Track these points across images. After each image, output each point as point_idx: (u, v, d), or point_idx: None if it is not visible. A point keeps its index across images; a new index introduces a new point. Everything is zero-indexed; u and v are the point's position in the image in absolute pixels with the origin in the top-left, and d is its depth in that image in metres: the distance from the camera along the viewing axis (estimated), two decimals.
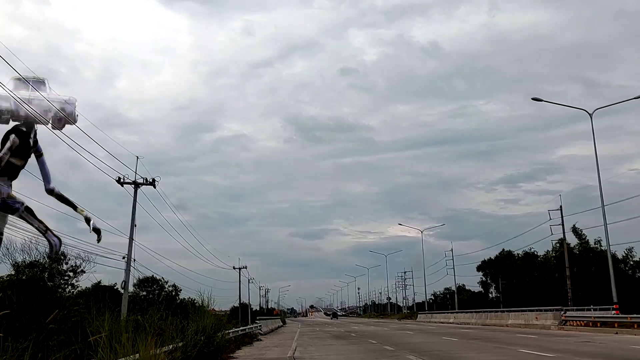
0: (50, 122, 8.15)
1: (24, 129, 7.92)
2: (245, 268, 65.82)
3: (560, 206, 41.96)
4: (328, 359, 15.87)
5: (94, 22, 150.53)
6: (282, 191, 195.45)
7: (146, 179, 26.50)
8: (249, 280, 73.04)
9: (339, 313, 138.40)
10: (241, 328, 26.69)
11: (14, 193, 7.78)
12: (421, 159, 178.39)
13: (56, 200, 8.33)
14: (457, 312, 51.91)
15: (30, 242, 21.10)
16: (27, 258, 20.87)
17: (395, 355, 15.25)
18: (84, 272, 24.81)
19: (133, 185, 26.13)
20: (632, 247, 43.02)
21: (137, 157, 26.50)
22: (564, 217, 41.63)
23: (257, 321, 38.97)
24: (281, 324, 57.41)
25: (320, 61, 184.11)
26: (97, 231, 8.27)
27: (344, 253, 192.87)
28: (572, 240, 45.94)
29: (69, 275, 24.46)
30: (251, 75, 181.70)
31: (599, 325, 26.51)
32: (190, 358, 11.80)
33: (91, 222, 8.21)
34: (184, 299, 37.33)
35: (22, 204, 7.88)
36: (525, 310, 36.18)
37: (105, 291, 22.28)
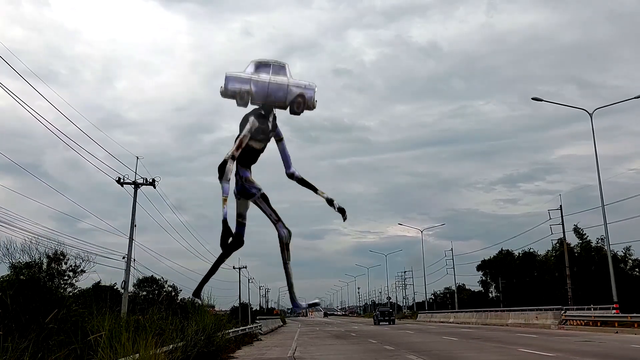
0: (289, 106, 7.98)
1: (263, 113, 7.81)
2: (245, 268, 65.87)
3: (560, 206, 41.97)
4: (328, 359, 15.87)
5: (93, 23, 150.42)
6: (282, 191, 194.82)
7: (146, 179, 26.52)
8: (249, 280, 73.19)
9: (328, 312, 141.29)
10: (241, 328, 26.66)
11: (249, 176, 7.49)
12: (420, 159, 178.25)
13: (296, 183, 8.09)
14: (457, 312, 51.91)
15: (31, 242, 21.12)
16: (26, 258, 20.89)
17: (395, 355, 15.25)
18: (84, 272, 24.83)
19: (133, 186, 26.14)
20: (630, 246, 43.01)
21: (137, 158, 26.55)
22: (563, 217, 41.64)
23: (257, 321, 38.95)
24: (281, 323, 57.39)
25: (319, 62, 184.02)
26: (341, 211, 8.07)
27: (344, 253, 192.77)
28: (572, 240, 45.96)
29: (68, 275, 24.47)
30: None
31: (599, 324, 26.50)
32: (191, 358, 11.79)
33: (334, 202, 8.05)
34: (184, 298, 37.34)
35: (259, 190, 7.76)
36: (525, 310, 36.16)
37: (105, 291, 22.30)
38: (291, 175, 8.03)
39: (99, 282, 28.31)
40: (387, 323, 46.88)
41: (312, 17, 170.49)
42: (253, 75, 7.93)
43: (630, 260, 43.43)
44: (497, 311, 42.29)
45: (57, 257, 23.47)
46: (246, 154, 7.63)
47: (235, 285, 66.15)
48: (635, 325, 23.53)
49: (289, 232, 7.86)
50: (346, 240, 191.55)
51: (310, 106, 8.06)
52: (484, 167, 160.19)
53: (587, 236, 45.08)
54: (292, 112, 8.03)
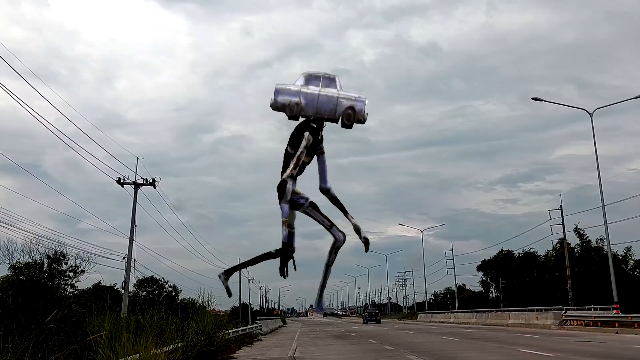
0: (340, 119, 7.92)
1: (315, 126, 7.77)
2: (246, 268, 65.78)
3: (561, 206, 41.94)
4: (328, 359, 15.86)
5: (93, 23, 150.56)
6: None
7: (146, 180, 26.53)
8: (249, 280, 73.14)
9: (327, 312, 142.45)
10: (241, 328, 26.67)
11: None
12: (420, 159, 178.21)
13: (329, 201, 7.96)
14: (457, 312, 51.89)
15: (31, 242, 21.12)
16: (26, 258, 20.87)
17: (395, 355, 15.24)
18: (84, 272, 24.80)
19: (133, 186, 26.15)
20: (631, 246, 42.97)
21: (137, 158, 26.55)
22: (564, 217, 41.61)
23: (258, 321, 38.95)
24: (281, 324, 57.39)
25: (319, 62, 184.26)
26: (366, 242, 7.94)
27: (344, 253, 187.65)
28: (572, 240, 45.91)
29: (69, 276, 24.43)
30: (250, 76, 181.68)
31: (599, 324, 26.49)
32: (191, 358, 11.79)
33: (361, 231, 7.91)
34: (184, 299, 37.32)
35: (307, 199, 7.70)
36: (525, 310, 36.15)
37: (105, 291, 22.30)
38: (326, 191, 7.97)
39: (99, 282, 28.33)
40: (374, 322, 57.02)
41: (311, 17, 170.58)
42: (302, 88, 7.90)
43: (631, 261, 43.38)
44: (497, 311, 42.28)
45: (57, 258, 23.45)
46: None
47: (235, 285, 66.20)
48: (636, 326, 23.52)
49: (344, 235, 7.83)
50: (346, 240, 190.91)
51: (361, 119, 7.96)
52: (484, 167, 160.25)
53: (588, 236, 45.06)
54: (343, 125, 7.97)
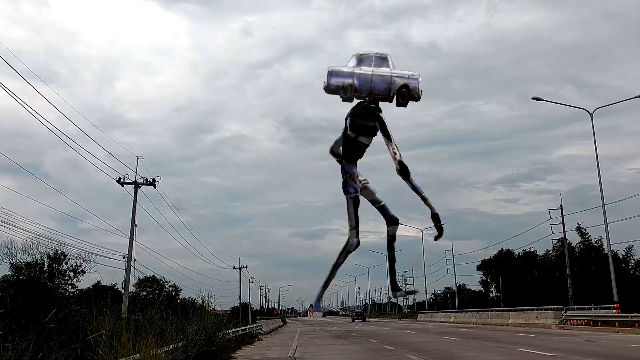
0: (394, 98, 7.90)
1: (372, 106, 7.78)
2: (246, 268, 65.88)
3: (561, 205, 41.90)
4: (329, 359, 15.86)
5: (93, 23, 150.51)
6: (282, 191, 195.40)
7: (146, 179, 26.52)
8: (249, 280, 73.15)
9: (327, 311, 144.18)
10: (242, 328, 26.67)
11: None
12: (420, 159, 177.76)
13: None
14: (457, 312, 51.87)
15: (31, 242, 21.12)
16: (27, 258, 20.89)
17: (395, 355, 15.24)
18: (85, 272, 24.83)
19: (133, 186, 26.14)
20: (632, 246, 42.95)
21: (137, 158, 26.54)
22: (564, 216, 41.60)
23: (258, 321, 38.94)
24: (281, 323, 57.37)
25: (319, 62, 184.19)
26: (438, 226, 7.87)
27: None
28: (573, 239, 45.89)
29: (69, 276, 24.46)
30: (250, 76, 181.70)
31: (599, 324, 26.47)
32: (191, 358, 11.79)
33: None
34: (184, 298, 37.33)
35: (357, 190, 7.69)
36: (525, 310, 36.14)
37: (105, 291, 22.30)
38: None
39: (99, 282, 28.34)
40: (360, 320, 67.46)
41: (311, 18, 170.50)
42: (355, 69, 7.90)
43: (632, 260, 43.37)
44: (497, 311, 42.26)
45: (57, 257, 23.47)
46: (354, 149, 7.61)
47: (235, 285, 66.25)
48: (636, 325, 23.50)
49: (358, 243, 7.83)
50: (346, 240, 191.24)
51: (415, 96, 7.94)
52: (484, 167, 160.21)
53: (590, 235, 45.03)
54: (398, 103, 7.96)
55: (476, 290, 70.43)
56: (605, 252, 35.91)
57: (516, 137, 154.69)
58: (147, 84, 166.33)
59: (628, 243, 43.88)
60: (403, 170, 7.38)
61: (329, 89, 7.97)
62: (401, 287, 10.32)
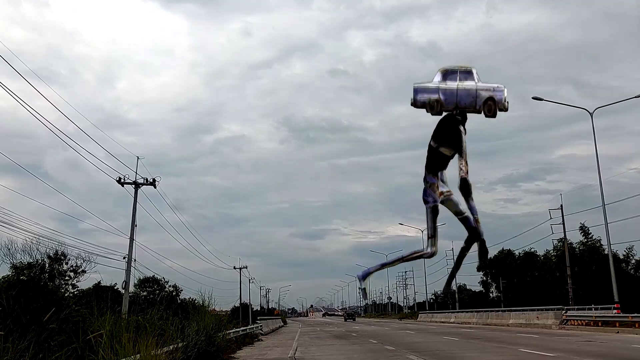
0: (481, 110, 7.96)
1: (459, 118, 7.84)
2: (246, 268, 65.86)
3: (561, 205, 41.84)
4: (329, 359, 15.85)
5: (93, 24, 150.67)
6: (282, 192, 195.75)
7: (146, 179, 26.50)
8: (249, 280, 73.11)
9: (329, 312, 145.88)
10: (242, 328, 26.66)
11: None
12: (421, 159, 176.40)
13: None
14: (458, 312, 51.85)
15: (31, 242, 21.11)
16: (27, 258, 20.87)
17: (396, 355, 15.23)
18: (85, 272, 24.80)
19: (133, 186, 26.12)
20: (633, 246, 42.88)
21: (138, 157, 26.52)
22: (564, 216, 41.55)
23: (258, 321, 38.94)
24: (282, 324, 57.37)
25: (319, 62, 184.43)
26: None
27: (345, 253, 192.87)
28: (574, 239, 45.81)
29: (69, 276, 24.44)
30: (250, 76, 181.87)
31: (600, 324, 26.46)
32: (191, 358, 11.79)
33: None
34: (185, 299, 37.32)
35: (435, 200, 7.74)
36: (526, 310, 36.11)
37: (105, 291, 22.29)
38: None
39: (99, 282, 28.32)
40: (352, 320, 74.61)
41: (311, 18, 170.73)
42: (440, 84, 7.99)
43: (633, 260, 43.32)
44: (498, 311, 42.24)
45: (58, 258, 23.45)
46: (437, 160, 7.67)
47: (235, 285, 66.26)
48: (637, 325, 23.48)
49: (434, 253, 7.88)
50: (346, 240, 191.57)
51: (502, 108, 8.00)
52: (484, 167, 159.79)
53: (592, 235, 44.95)
54: (486, 115, 8.01)
55: (476, 291, 70.39)
56: (606, 252, 35.88)
57: (516, 137, 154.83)
58: (148, 84, 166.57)
59: (628, 243, 43.82)
60: (464, 188, 7.45)
61: (416, 105, 8.12)
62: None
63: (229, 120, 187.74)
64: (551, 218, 41.77)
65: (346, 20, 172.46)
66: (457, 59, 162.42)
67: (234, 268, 63.55)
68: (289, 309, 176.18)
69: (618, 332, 23.25)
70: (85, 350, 8.46)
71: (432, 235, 7.80)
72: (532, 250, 54.45)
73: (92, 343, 8.38)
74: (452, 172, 7.95)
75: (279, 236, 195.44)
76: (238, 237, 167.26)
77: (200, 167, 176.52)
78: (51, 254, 22.82)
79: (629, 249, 43.15)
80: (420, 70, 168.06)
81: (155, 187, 26.81)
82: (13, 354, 6.95)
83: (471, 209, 7.59)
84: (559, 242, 44.44)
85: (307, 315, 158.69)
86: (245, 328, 27.87)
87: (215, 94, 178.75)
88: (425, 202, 7.69)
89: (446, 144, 7.69)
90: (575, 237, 46.03)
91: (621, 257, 42.64)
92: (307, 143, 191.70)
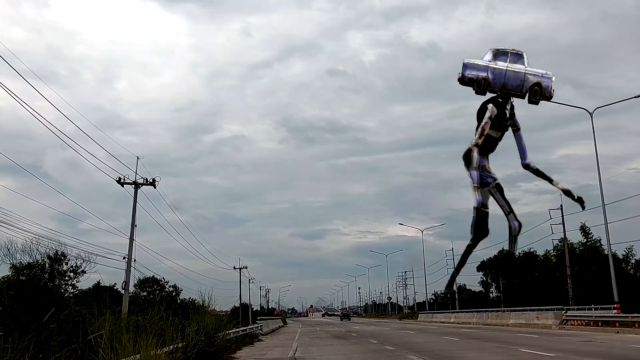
0: (526, 95, 7.94)
1: (500, 100, 7.83)
2: (246, 268, 65.84)
3: (561, 205, 41.82)
4: (329, 359, 15.85)
5: (93, 24, 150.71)
6: (282, 192, 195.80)
7: (146, 179, 26.48)
8: (249, 280, 73.09)
9: (329, 312, 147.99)
10: (242, 328, 26.66)
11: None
12: (420, 159, 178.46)
13: (534, 174, 8.03)
14: (458, 312, 51.84)
15: (31, 242, 21.09)
16: (27, 259, 20.85)
17: (396, 355, 15.23)
18: (85, 272, 24.79)
19: (133, 186, 26.11)
20: (632, 246, 42.88)
21: (138, 158, 26.50)
22: (564, 216, 41.54)
23: (258, 321, 38.93)
24: (282, 324, 57.37)
25: (319, 62, 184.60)
26: (580, 200, 7.94)
27: (344, 253, 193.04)
28: (574, 239, 45.80)
29: (69, 276, 24.43)
30: (250, 76, 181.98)
31: (600, 324, 26.46)
32: (191, 358, 11.78)
33: (572, 192, 7.95)
34: (185, 299, 37.33)
35: (495, 179, 7.75)
36: (526, 310, 36.11)
37: (105, 291, 22.28)
38: (526, 166, 8.08)
39: (99, 282, 28.31)
40: (347, 320, 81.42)
41: (311, 18, 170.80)
42: (490, 63, 8.00)
43: (633, 260, 43.32)
44: (497, 311, 42.25)
45: (58, 258, 23.44)
46: (484, 142, 7.68)
47: (235, 285, 66.19)
48: (637, 326, 23.48)
49: (520, 224, 7.86)
50: (346, 240, 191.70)
51: (547, 95, 7.98)
52: None
53: (593, 235, 44.95)
54: (530, 101, 8.01)
55: (476, 291, 70.41)
56: (605, 252, 35.87)
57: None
58: (147, 84, 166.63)
59: (628, 243, 43.83)
60: (465, 158, 7.56)
61: (463, 81, 8.10)
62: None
63: (228, 120, 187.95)
64: (551, 218, 41.80)
65: (346, 20, 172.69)
66: (457, 59, 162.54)
67: (234, 268, 63.57)
68: (289, 309, 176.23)
69: (618, 332, 23.25)
70: (86, 350, 8.46)
71: (510, 210, 7.85)
72: (531, 250, 54.50)
73: (92, 343, 8.37)
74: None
75: (278, 236, 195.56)
76: (238, 237, 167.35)
77: (200, 167, 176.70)
78: (51, 254, 22.81)
79: (629, 249, 43.19)
80: (420, 70, 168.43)
81: (155, 187, 26.80)
82: (13, 354, 6.94)
83: (470, 175, 7.60)
84: (559, 242, 44.44)
85: (307, 316, 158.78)
86: (245, 328, 27.87)
87: (215, 94, 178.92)
88: (487, 184, 7.71)
89: (492, 125, 7.71)
90: (575, 238, 46.02)
91: (620, 257, 42.64)
92: (306, 143, 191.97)
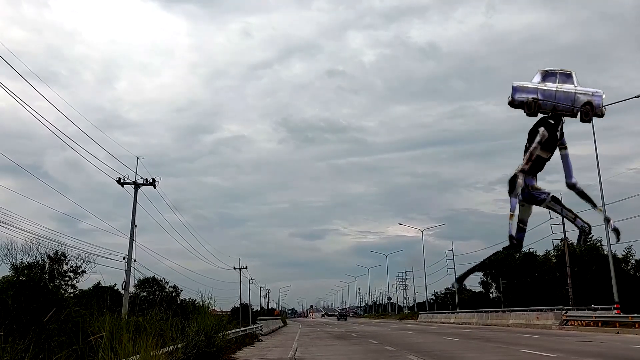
0: (577, 114, 7.95)
1: (552, 122, 7.84)
2: (246, 268, 65.83)
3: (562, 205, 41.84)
4: (329, 359, 15.85)
5: (93, 24, 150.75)
6: (282, 192, 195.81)
7: (146, 180, 26.47)
8: (249, 280, 73.08)
9: (329, 313, 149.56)
10: (242, 328, 26.67)
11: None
12: (420, 160, 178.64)
13: (577, 196, 8.06)
14: (458, 312, 51.84)
15: (31, 243, 21.09)
16: (27, 259, 20.86)
17: (396, 356, 15.23)
18: (85, 272, 24.80)
19: (133, 186, 26.10)
20: (632, 246, 42.84)
21: (138, 158, 26.49)
22: (564, 216, 41.48)
23: (258, 321, 38.94)
24: (282, 324, 57.36)
25: (319, 62, 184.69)
26: (616, 232, 8.22)
27: (344, 253, 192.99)
28: (574, 239, 45.75)
29: (69, 276, 24.44)
30: (250, 76, 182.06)
31: (600, 325, 26.46)
32: (191, 359, 11.79)
33: (611, 222, 8.21)
34: (185, 299, 37.33)
35: (548, 194, 7.81)
36: (526, 310, 36.12)
37: (105, 292, 22.29)
38: (572, 186, 8.07)
39: (99, 282, 28.32)
40: (343, 319, 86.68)
41: (311, 19, 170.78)
42: (540, 85, 8.04)
43: (633, 260, 43.29)
44: (498, 312, 42.25)
45: (58, 258, 23.44)
46: (533, 163, 7.71)
47: (235, 285, 66.16)
48: (637, 326, 23.49)
49: (589, 226, 7.98)
50: (346, 241, 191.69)
51: (599, 113, 8.05)
52: (483, 167, 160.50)
53: (593, 235, 44.89)
54: (582, 119, 8.03)
55: (476, 291, 70.38)
56: (605, 252, 35.86)
57: (516, 137, 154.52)
58: (147, 84, 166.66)
59: (628, 243, 43.77)
60: (510, 184, 7.63)
61: (513, 104, 8.16)
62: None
63: (228, 120, 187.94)
64: (551, 218, 41.76)
65: (346, 20, 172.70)
66: (457, 59, 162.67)
67: (234, 269, 63.56)
68: (289, 310, 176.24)
69: (618, 333, 23.25)
70: (86, 350, 8.46)
71: (575, 216, 7.95)
72: (531, 251, 54.48)
73: (92, 344, 8.38)
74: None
75: (278, 236, 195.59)
76: (238, 238, 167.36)
77: (200, 168, 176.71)
78: (51, 255, 22.82)
79: (628, 249, 43.17)
80: (420, 70, 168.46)
81: (155, 188, 26.79)
82: (13, 354, 6.94)
83: (510, 202, 7.69)
84: (560, 242, 44.42)
85: (307, 316, 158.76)
86: (245, 328, 27.88)
87: (215, 94, 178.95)
88: (543, 200, 7.78)
89: (543, 147, 7.75)
90: (575, 238, 45.94)
91: (620, 257, 42.62)
92: (306, 143, 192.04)
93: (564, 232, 42.21)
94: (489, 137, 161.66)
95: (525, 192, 7.61)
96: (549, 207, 7.90)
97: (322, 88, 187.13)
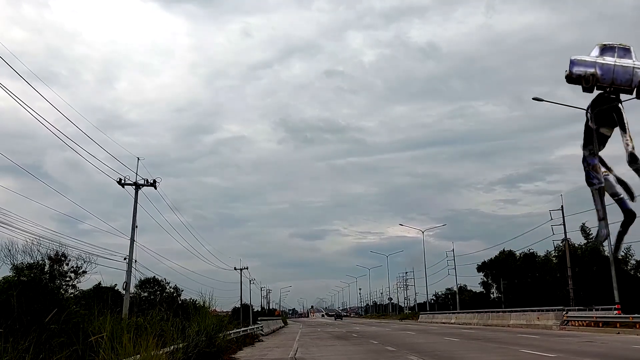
0: (635, 90, 7.90)
1: (612, 97, 7.77)
2: (247, 269, 65.83)
3: (562, 206, 41.77)
4: None
5: (93, 24, 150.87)
6: (282, 192, 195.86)
7: (147, 180, 26.48)
8: (250, 281, 73.08)
9: (329, 313, 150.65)
10: (242, 329, 26.68)
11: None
12: (420, 160, 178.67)
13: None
14: (458, 313, 51.82)
15: (32, 243, 21.10)
16: (27, 259, 20.86)
17: (396, 356, 15.23)
18: (85, 273, 24.78)
19: (134, 187, 26.11)
20: (630, 246, 42.80)
21: (138, 158, 26.50)
22: (565, 217, 41.48)
23: (259, 322, 38.96)
24: (282, 324, 57.37)
25: (319, 62, 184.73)
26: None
27: (345, 254, 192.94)
28: (574, 240, 45.76)
29: (70, 277, 24.42)
30: (250, 77, 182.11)
31: (601, 325, 26.43)
32: (192, 359, 11.79)
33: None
34: (185, 299, 37.27)
35: (600, 181, 7.79)
36: (526, 311, 36.09)
37: (106, 292, 22.30)
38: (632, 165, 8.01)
39: (99, 283, 28.30)
40: (340, 319, 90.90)
41: (311, 19, 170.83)
42: (598, 59, 7.95)
43: (633, 261, 43.28)
44: (498, 312, 42.20)
45: (58, 259, 23.44)
46: (598, 139, 7.67)
47: (236, 286, 66.25)
48: (637, 326, 23.46)
49: (608, 234, 7.97)
50: (347, 241, 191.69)
51: None
52: (483, 168, 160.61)
53: (592, 235, 44.87)
54: (637, 96, 7.95)
55: (477, 292, 70.35)
56: (606, 253, 35.82)
57: (516, 137, 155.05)
58: (147, 84, 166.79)
59: (628, 243, 43.73)
60: (633, 162, 7.55)
61: (571, 78, 8.05)
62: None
63: (228, 120, 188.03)
64: (552, 219, 41.72)
65: (346, 20, 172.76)
66: (457, 59, 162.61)
67: (235, 269, 63.55)
68: (289, 310, 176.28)
69: (619, 333, 23.23)
70: (86, 351, 8.47)
71: (603, 217, 7.87)
72: (531, 251, 54.49)
73: (93, 344, 8.39)
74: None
75: (279, 237, 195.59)
76: (238, 238, 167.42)
77: (200, 168, 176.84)
78: (52, 255, 22.81)
79: (627, 249, 43.13)
80: (420, 70, 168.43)
81: (155, 188, 26.80)
82: (13, 354, 6.95)
83: None
84: (561, 242, 44.41)
85: (308, 316, 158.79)
86: (245, 329, 27.89)
87: (215, 94, 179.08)
88: (591, 184, 7.75)
89: (605, 124, 7.70)
90: (576, 238, 45.97)
91: (620, 257, 42.57)
92: (305, 143, 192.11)
93: (565, 232, 42.21)
94: (489, 137, 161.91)
95: (586, 171, 7.57)
96: (592, 193, 7.79)
97: (321, 88, 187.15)
